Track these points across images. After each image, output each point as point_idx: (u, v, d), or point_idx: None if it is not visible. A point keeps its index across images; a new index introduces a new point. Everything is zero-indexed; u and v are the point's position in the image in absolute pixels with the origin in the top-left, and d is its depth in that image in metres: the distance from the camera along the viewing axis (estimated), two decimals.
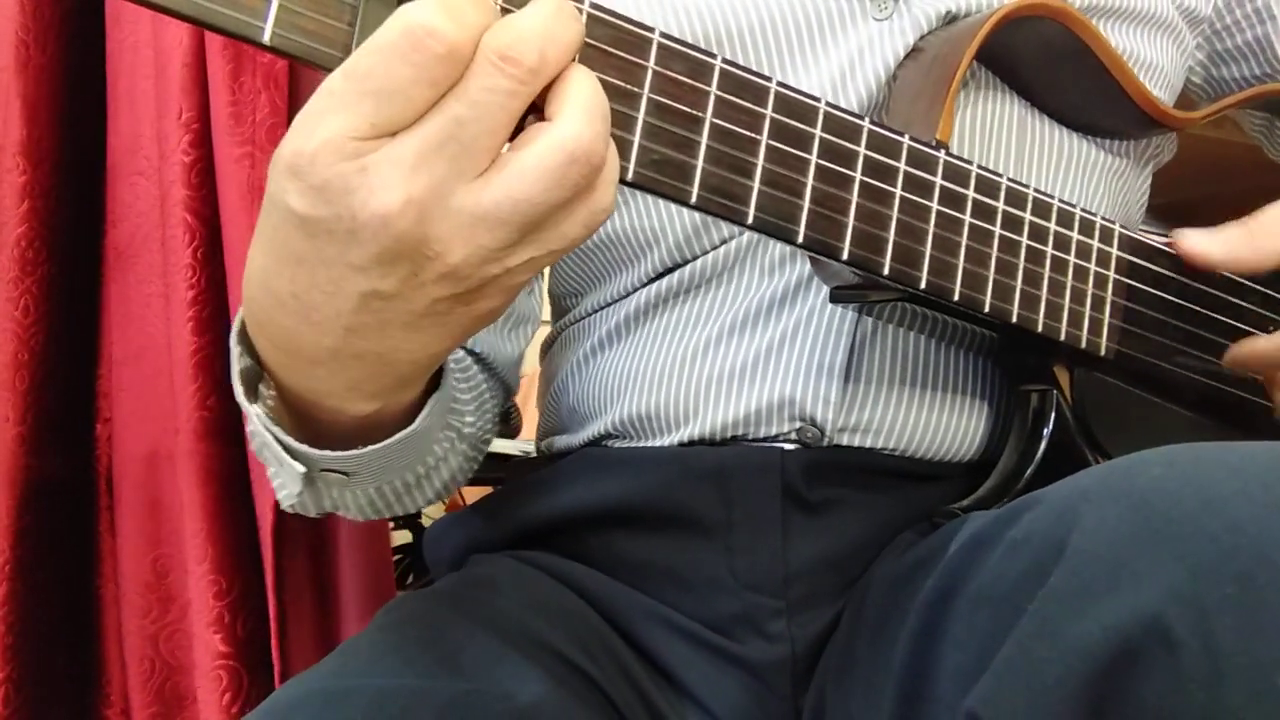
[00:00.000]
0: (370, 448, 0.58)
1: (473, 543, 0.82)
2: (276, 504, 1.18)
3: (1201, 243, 0.69)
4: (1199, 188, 1.11)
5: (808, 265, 0.71)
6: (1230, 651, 0.39)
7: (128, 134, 1.24)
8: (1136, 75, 0.72)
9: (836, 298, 0.68)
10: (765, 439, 0.72)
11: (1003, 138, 0.73)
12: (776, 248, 0.72)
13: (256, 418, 0.56)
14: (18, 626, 1.19)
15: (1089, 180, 0.77)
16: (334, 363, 0.49)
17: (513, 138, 0.43)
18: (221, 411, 1.22)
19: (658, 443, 0.74)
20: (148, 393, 1.26)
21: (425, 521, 2.12)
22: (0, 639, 1.18)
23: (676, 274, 0.75)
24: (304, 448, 0.57)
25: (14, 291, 1.18)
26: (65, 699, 1.26)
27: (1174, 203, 1.18)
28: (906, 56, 0.71)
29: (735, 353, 0.73)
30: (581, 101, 0.43)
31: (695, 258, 0.74)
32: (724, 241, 0.73)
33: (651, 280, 0.77)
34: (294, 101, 1.20)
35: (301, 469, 0.58)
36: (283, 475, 0.61)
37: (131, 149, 1.24)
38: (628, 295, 0.78)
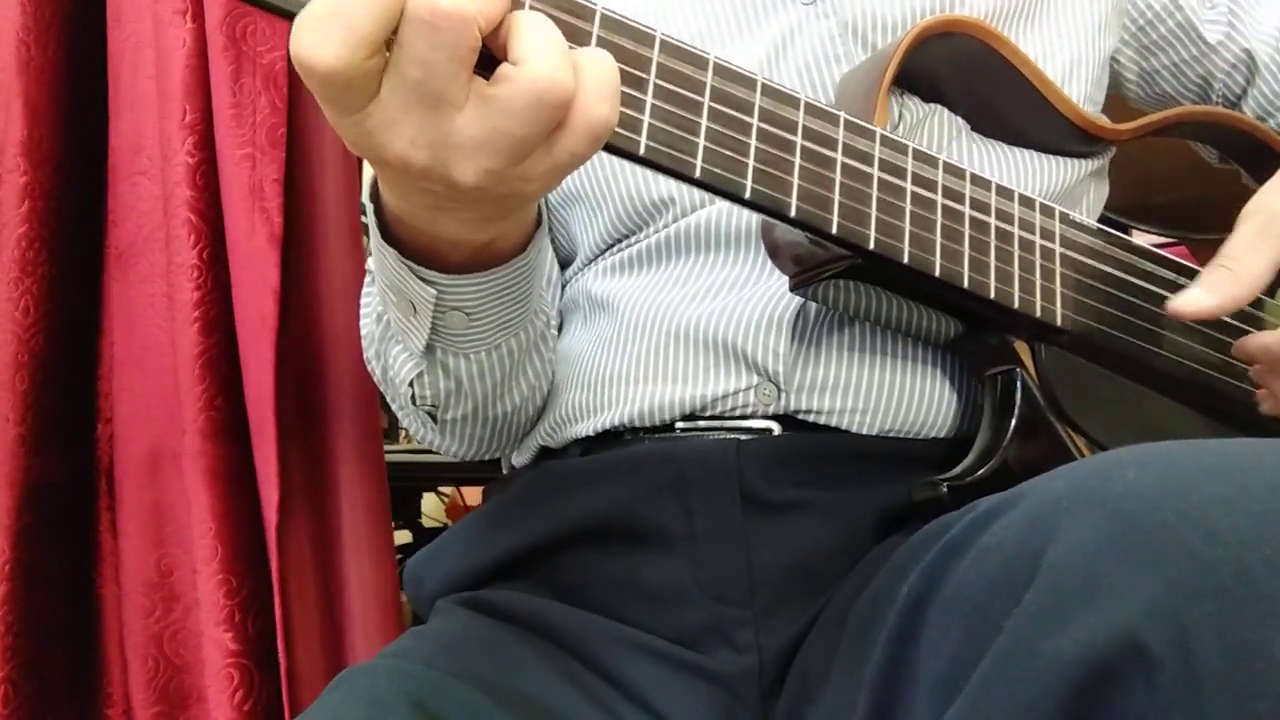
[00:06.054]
0: (491, 270, 0.64)
1: (451, 580, 0.82)
2: (279, 503, 1.19)
3: (1195, 300, 0.66)
4: (1198, 188, 1.10)
5: (762, 256, 0.73)
6: (1210, 673, 0.38)
7: (129, 134, 1.25)
8: (1060, 87, 0.76)
9: (795, 286, 0.69)
10: (724, 405, 0.73)
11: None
12: (727, 235, 0.75)
13: (392, 256, 0.63)
14: (17, 626, 1.19)
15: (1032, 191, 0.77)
16: (438, 211, 0.56)
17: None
18: (228, 411, 1.22)
19: (612, 415, 0.76)
20: (150, 393, 1.26)
21: (426, 522, 2.13)
22: (0, 639, 1.19)
23: (634, 248, 0.78)
24: (435, 273, 0.63)
25: (14, 292, 1.20)
26: (65, 699, 1.26)
27: (1174, 202, 1.18)
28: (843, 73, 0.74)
29: (687, 315, 0.75)
30: (537, 42, 0.47)
31: (647, 220, 0.77)
32: (675, 220, 0.76)
33: (609, 246, 0.80)
34: (294, 102, 1.21)
35: (433, 293, 0.64)
36: (410, 337, 0.69)
37: (133, 149, 1.25)
38: (589, 264, 0.81)
